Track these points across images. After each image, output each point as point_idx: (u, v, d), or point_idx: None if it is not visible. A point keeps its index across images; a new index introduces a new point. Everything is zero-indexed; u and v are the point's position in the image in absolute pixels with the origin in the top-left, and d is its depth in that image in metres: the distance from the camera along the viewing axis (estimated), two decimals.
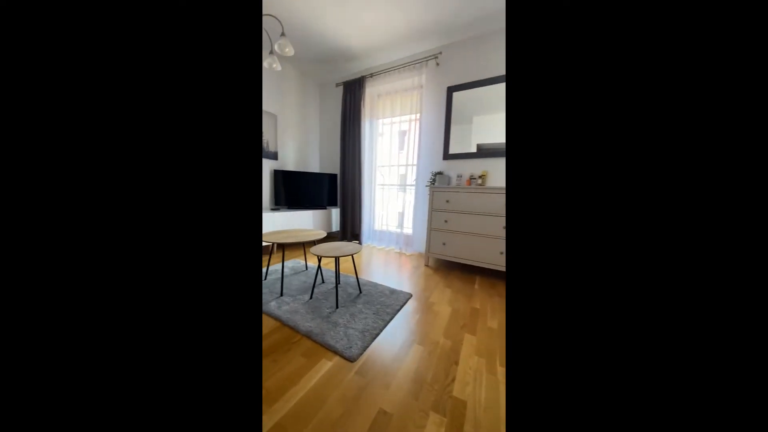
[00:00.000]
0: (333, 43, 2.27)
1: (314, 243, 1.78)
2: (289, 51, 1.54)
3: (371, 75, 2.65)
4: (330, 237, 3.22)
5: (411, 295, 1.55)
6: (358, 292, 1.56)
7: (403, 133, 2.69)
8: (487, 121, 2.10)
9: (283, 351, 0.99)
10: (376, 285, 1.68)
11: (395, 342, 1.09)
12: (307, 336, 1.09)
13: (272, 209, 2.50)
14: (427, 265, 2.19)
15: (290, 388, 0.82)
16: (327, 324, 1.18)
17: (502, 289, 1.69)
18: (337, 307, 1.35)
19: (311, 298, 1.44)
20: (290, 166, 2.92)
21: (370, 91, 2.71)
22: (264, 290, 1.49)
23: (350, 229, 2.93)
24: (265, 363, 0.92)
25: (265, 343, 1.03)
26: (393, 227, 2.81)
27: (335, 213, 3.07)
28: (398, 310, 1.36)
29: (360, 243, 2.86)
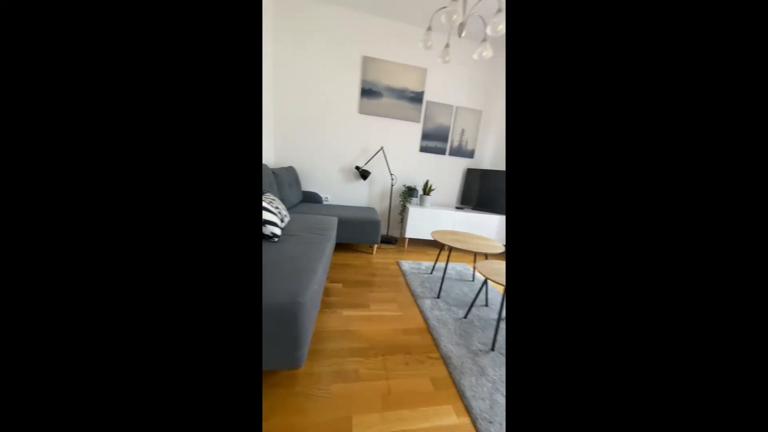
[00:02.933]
0: None
1: (486, 256, 1.50)
2: (503, 28, 1.30)
3: None
4: None
5: None
6: None
7: None
8: None
9: (417, 360, 0.95)
10: None
11: None
12: (445, 361, 0.95)
13: (456, 208, 2.52)
14: None
15: (402, 409, 0.75)
16: (472, 363, 0.94)
17: None
18: (492, 348, 1.03)
19: (465, 317, 1.24)
20: (486, 163, 2.71)
21: None
22: (425, 285, 1.56)
23: None
24: (396, 359, 0.94)
25: (405, 338, 1.06)
26: None
27: None
28: None
29: None
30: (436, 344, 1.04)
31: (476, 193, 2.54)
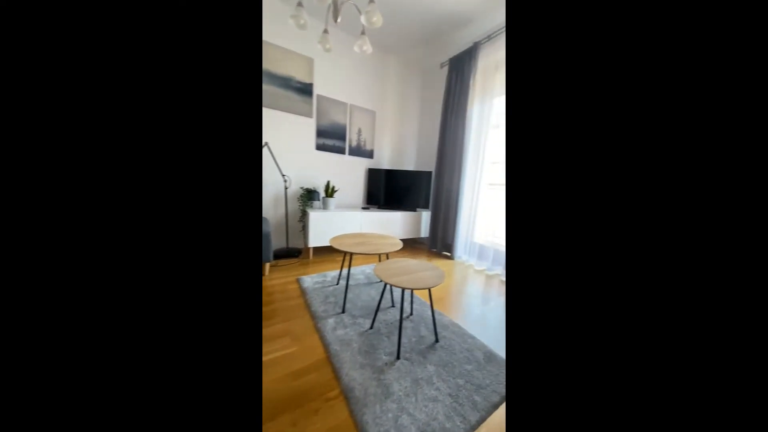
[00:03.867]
0: (439, 11, 1.83)
1: (387, 256, 1.49)
2: (377, 20, 1.27)
3: (488, 38, 1.98)
4: (417, 245, 2.86)
5: None
6: (434, 339, 1.08)
7: None
8: None
9: (310, 410, 0.73)
10: (462, 333, 1.13)
11: None
12: (346, 396, 0.77)
13: (362, 208, 2.46)
14: None
15: None
16: (376, 384, 0.81)
17: None
18: (398, 357, 0.95)
19: (371, 327, 1.13)
20: (385, 163, 2.80)
21: (484, 62, 2.05)
22: (329, 300, 1.35)
23: (441, 239, 2.43)
24: (280, 423, 0.68)
25: (296, 384, 0.82)
26: (501, 242, 2.03)
27: (426, 216, 2.67)
28: (498, 404, 0.77)
29: (452, 257, 2.30)
30: (337, 376, 0.85)
31: (382, 192, 2.58)
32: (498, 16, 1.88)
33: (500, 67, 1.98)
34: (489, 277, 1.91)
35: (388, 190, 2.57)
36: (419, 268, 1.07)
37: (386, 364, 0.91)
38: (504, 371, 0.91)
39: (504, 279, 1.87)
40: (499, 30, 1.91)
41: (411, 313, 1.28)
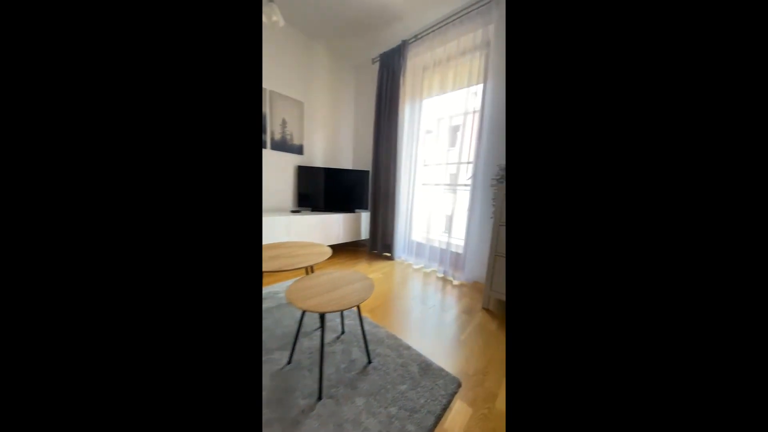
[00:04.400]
0: (366, 3, 1.71)
1: (312, 268, 1.29)
2: None
3: (415, 37, 1.99)
4: (359, 247, 2.72)
5: (458, 384, 0.85)
6: (366, 360, 0.95)
7: (455, 129, 1.95)
8: None
9: None
10: (398, 346, 1.04)
11: None
12: None
13: (292, 212, 2.14)
14: (486, 309, 1.41)
15: None
16: None
17: None
18: (320, 397, 0.77)
19: (289, 362, 0.91)
20: (318, 161, 2.54)
21: (413, 62, 2.06)
22: None
23: (381, 239, 2.36)
24: None
25: None
26: (437, 238, 2.09)
27: (365, 217, 2.55)
28: (431, 428, 0.69)
29: (392, 257, 2.25)
30: None
31: (321, 192, 2.31)
32: (425, 17, 1.90)
33: (427, 69, 2.02)
34: (426, 275, 1.93)
35: (325, 190, 2.33)
36: (345, 282, 0.91)
37: (303, 411, 0.72)
38: (438, 383, 0.85)
39: (440, 275, 1.93)
40: (425, 31, 1.94)
41: (343, 332, 1.11)
